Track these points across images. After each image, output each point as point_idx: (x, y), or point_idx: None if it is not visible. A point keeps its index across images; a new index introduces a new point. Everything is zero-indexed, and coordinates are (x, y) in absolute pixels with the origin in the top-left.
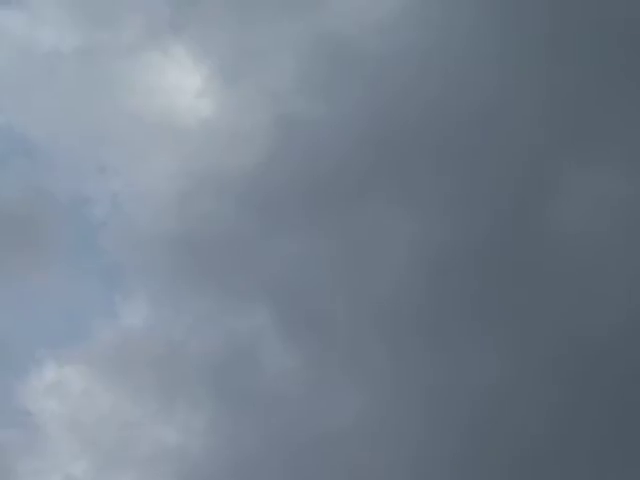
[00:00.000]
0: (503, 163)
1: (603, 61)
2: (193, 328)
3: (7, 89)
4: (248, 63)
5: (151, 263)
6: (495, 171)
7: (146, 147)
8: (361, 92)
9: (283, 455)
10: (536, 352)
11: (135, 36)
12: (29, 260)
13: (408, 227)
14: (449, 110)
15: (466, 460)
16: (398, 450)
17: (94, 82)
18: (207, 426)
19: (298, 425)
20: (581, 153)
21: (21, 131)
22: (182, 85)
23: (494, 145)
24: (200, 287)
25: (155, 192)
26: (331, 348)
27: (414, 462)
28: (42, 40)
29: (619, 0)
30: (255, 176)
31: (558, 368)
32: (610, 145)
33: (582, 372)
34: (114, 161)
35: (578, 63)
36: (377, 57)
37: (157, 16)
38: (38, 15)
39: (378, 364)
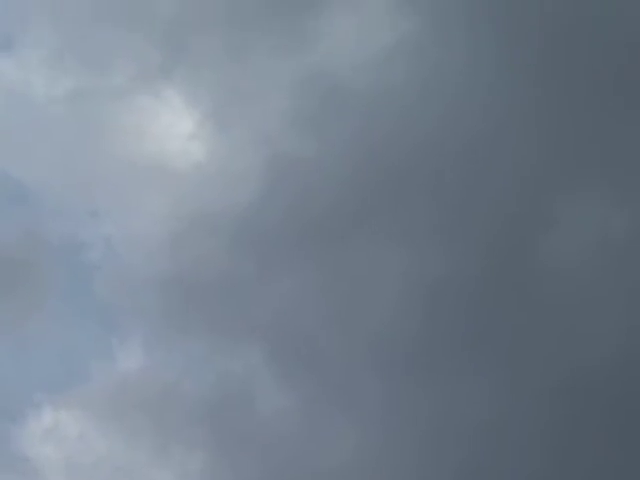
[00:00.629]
0: (496, 198)
1: (598, 93)
2: (187, 370)
3: None
4: (239, 105)
5: (145, 305)
6: (488, 206)
7: (138, 190)
8: (352, 130)
9: None
10: (531, 386)
11: (126, 80)
12: (24, 304)
13: (402, 264)
14: (441, 146)
15: None
16: None
17: (86, 126)
18: (203, 467)
19: (294, 464)
20: (575, 186)
21: (14, 176)
22: (174, 128)
23: (487, 180)
24: (194, 328)
25: (148, 235)
26: (325, 386)
27: None
28: (33, 85)
29: (614, 27)
30: (247, 217)
31: (552, 402)
32: (604, 177)
33: (576, 406)
34: (107, 205)
35: (572, 96)
36: (368, 96)
37: (148, 60)
38: (29, 60)
39: (373, 401)
